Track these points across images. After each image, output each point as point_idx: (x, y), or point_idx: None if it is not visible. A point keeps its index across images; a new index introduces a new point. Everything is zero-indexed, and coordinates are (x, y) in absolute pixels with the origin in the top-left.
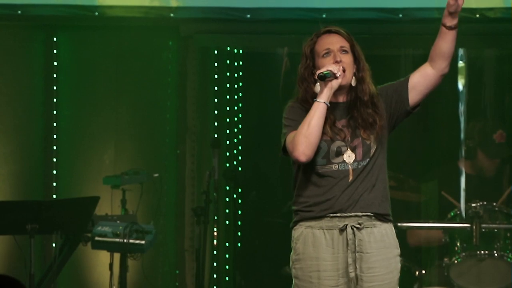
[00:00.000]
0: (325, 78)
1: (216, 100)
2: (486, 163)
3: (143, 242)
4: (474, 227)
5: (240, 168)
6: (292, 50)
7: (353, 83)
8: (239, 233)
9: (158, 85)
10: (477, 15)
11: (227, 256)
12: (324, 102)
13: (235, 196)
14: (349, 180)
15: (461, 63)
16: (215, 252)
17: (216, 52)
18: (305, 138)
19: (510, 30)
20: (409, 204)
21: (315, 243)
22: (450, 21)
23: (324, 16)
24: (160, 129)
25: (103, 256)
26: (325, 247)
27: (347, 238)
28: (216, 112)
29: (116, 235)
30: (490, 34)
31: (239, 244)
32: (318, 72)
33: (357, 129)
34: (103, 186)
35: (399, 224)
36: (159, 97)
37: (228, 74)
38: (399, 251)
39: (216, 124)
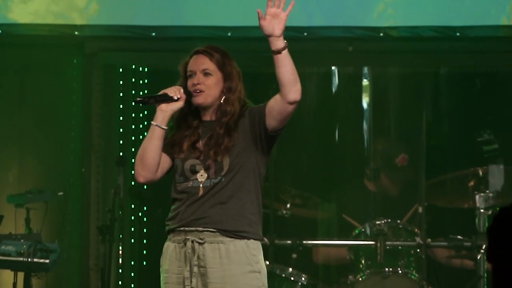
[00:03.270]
0: (143, 103)
1: (121, 118)
2: (389, 185)
3: (47, 261)
4: (379, 244)
5: (145, 186)
6: None
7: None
8: (145, 252)
9: (62, 103)
10: (381, 34)
11: (132, 274)
12: (157, 125)
13: (140, 214)
14: (198, 196)
15: (365, 81)
16: (120, 270)
17: (121, 69)
18: (140, 161)
19: (413, 48)
20: (314, 221)
21: (167, 255)
22: (272, 46)
23: (229, 34)
24: (65, 147)
25: (7, 276)
26: (174, 260)
27: (185, 252)
28: (121, 130)
29: (20, 254)
30: (393, 52)
31: (144, 263)
32: (139, 98)
33: (211, 149)
34: (6, 205)
35: (304, 241)
36: (64, 115)
37: (133, 92)
38: (253, 267)
39: (121, 142)
